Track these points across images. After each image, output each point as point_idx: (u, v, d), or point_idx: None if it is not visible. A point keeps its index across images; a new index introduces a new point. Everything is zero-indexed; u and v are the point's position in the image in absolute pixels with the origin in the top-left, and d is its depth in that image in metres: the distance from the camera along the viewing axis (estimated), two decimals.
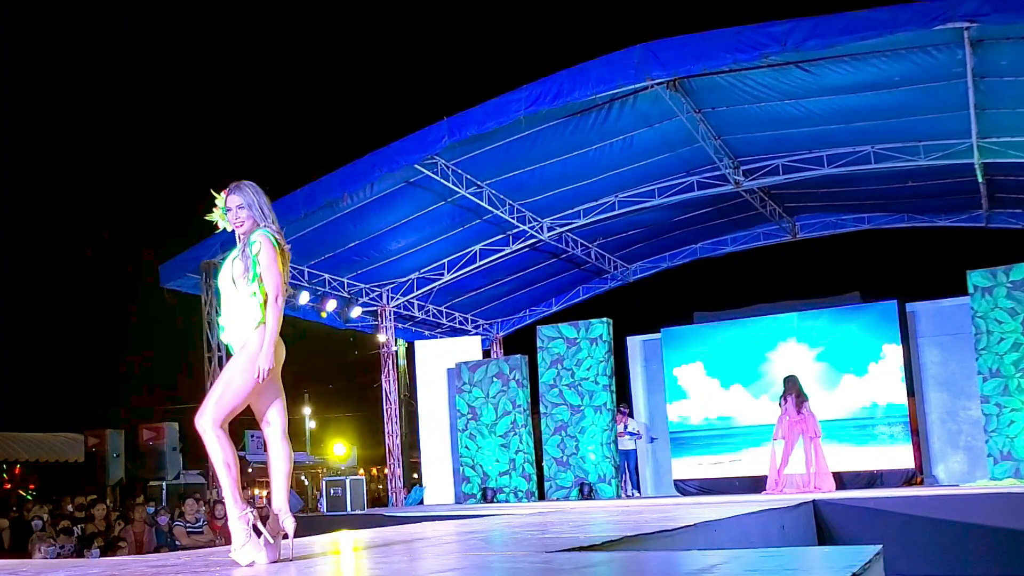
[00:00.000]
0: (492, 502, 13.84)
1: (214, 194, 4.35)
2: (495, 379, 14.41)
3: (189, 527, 11.44)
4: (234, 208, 4.33)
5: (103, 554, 10.25)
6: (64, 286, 31.78)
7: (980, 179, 13.21)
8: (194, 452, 15.43)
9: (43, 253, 33.34)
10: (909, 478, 13.18)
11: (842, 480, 12.48)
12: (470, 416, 14.62)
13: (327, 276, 15.49)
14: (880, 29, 9.77)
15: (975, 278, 12.14)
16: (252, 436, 27.97)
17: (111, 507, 12.84)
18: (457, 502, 14.83)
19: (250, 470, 28.25)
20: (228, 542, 4.38)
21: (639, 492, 15.01)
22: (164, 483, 14.03)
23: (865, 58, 10.62)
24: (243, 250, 4.30)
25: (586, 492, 13.46)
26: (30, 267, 31.32)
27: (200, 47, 41.35)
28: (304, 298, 15.07)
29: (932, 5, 9.48)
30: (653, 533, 5.15)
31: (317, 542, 5.83)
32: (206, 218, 4.39)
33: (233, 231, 4.37)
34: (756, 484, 12.82)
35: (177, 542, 11.17)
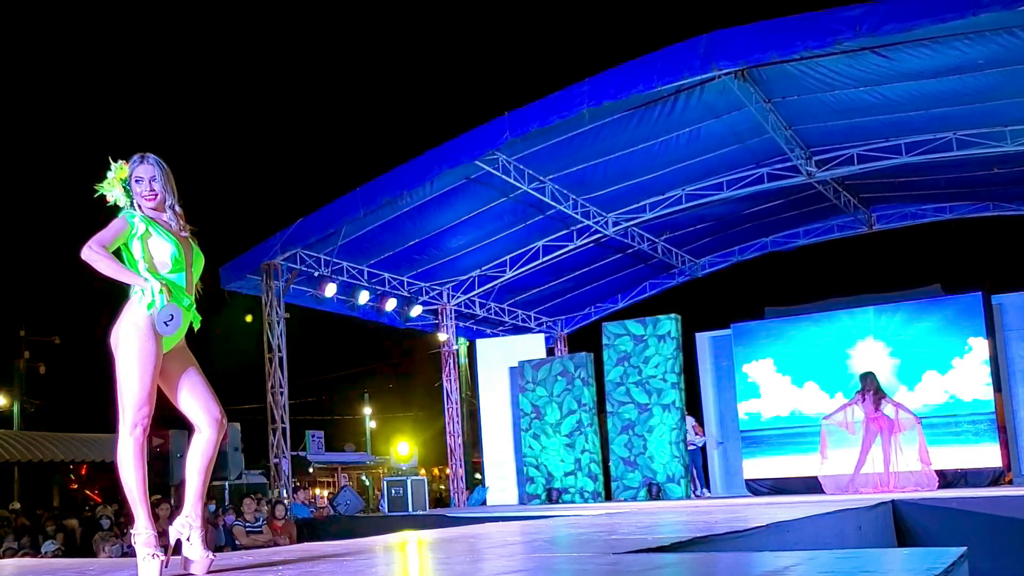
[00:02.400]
0: (557, 503, 13.71)
1: (112, 162, 3.90)
2: (559, 377, 14.24)
3: (248, 526, 11.47)
4: (147, 180, 3.88)
5: (166, 553, 10.30)
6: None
7: None
8: (256, 452, 15.55)
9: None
10: (996, 477, 12.73)
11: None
12: (534, 415, 14.44)
13: (387, 275, 15.53)
14: (961, 10, 9.43)
15: None
16: (312, 436, 28.18)
17: (174, 507, 12.94)
18: (521, 503, 14.74)
19: (311, 470, 28.54)
20: (292, 541, 4.37)
21: (708, 491, 14.69)
22: (226, 483, 14.13)
23: (946, 41, 10.27)
24: (181, 229, 3.96)
25: (654, 492, 13.22)
26: (94, 269, 31.99)
27: (266, 43, 41.96)
28: (364, 297, 15.10)
29: None
30: (724, 534, 5.03)
31: (379, 542, 5.79)
32: (97, 188, 3.91)
33: (122, 206, 3.90)
34: (832, 483, 12.43)
35: (236, 541, 11.19)
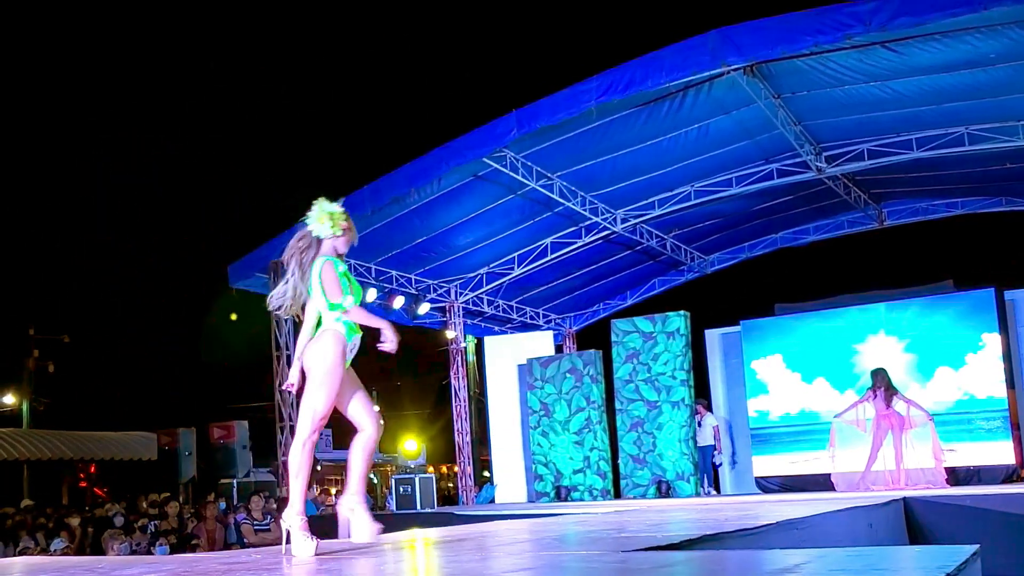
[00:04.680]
0: (566, 500, 13.70)
1: (330, 201, 4.67)
2: (568, 375, 14.21)
3: (256, 524, 11.48)
4: (350, 230, 4.76)
5: (174, 551, 10.32)
6: (137, 287, 32.54)
7: None
8: (263, 450, 15.56)
9: (116, 253, 34.20)
10: (1010, 474, 12.69)
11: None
12: (542, 413, 14.42)
13: (394, 273, 15.51)
14: (974, 5, 9.35)
15: None
16: (321, 434, 28.18)
17: (183, 504, 12.99)
18: (529, 500, 14.75)
19: (319, 468, 28.51)
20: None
21: (716, 491, 14.62)
22: (235, 480, 14.18)
23: (957, 35, 10.17)
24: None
25: (664, 490, 13.19)
26: (103, 269, 32.14)
27: (274, 40, 41.99)
28: (371, 295, 15.08)
29: None
30: (734, 532, 5.02)
31: (387, 540, 5.76)
32: (315, 221, 4.65)
33: (320, 236, 4.67)
34: (843, 481, 12.38)
35: (245, 539, 11.21)
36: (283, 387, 4.96)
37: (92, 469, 20.90)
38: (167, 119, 40.23)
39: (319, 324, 4.67)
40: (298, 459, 4.58)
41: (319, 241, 4.65)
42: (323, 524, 12.46)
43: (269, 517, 11.81)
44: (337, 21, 43.55)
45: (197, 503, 13.19)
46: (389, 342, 4.65)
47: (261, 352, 14.38)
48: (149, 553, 10.50)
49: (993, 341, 12.96)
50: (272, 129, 41.68)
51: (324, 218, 4.62)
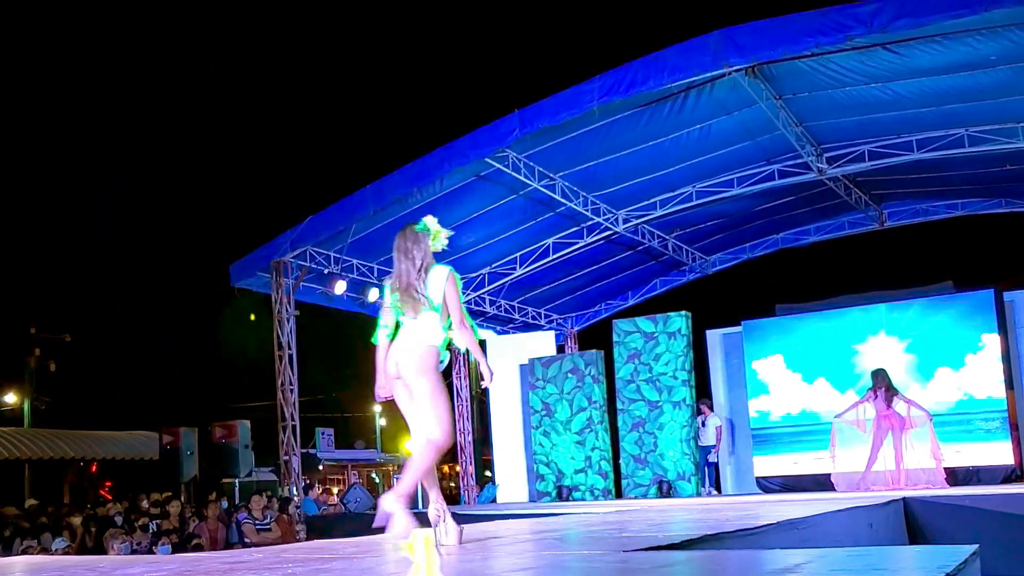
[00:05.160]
0: (567, 500, 13.71)
1: (437, 224, 5.06)
2: (570, 375, 14.23)
3: (258, 524, 11.50)
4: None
5: (176, 550, 10.33)
6: (138, 287, 32.57)
7: None
8: (265, 449, 15.57)
9: (116, 253, 34.22)
10: (1009, 475, 12.68)
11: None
12: (544, 412, 14.44)
13: None
14: (974, 6, 9.40)
15: None
16: (323, 433, 28.18)
17: (185, 503, 13.00)
18: (531, 500, 14.75)
19: (321, 467, 28.57)
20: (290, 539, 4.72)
21: (716, 491, 14.64)
22: (237, 480, 14.18)
23: (958, 37, 10.22)
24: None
25: (665, 490, 13.21)
26: (104, 268, 32.16)
27: (277, 40, 42.00)
28: (373, 295, 15.11)
29: None
30: (734, 532, 5.03)
31: (388, 540, 5.78)
32: (432, 235, 4.99)
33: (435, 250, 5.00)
34: (844, 481, 12.40)
35: (246, 539, 11.23)
36: (377, 397, 5.13)
37: (93, 468, 20.95)
38: (167, 119, 40.26)
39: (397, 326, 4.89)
40: (430, 460, 4.83)
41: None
42: (325, 524, 12.46)
43: (270, 516, 11.83)
44: (339, 21, 43.59)
45: (199, 502, 13.20)
46: (488, 379, 5.00)
47: (264, 351, 14.40)
48: (151, 552, 10.50)
49: (992, 342, 12.96)
50: (272, 129, 41.72)
51: (440, 235, 5.00)
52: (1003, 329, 13.07)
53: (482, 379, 5.05)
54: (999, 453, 12.77)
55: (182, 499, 13.28)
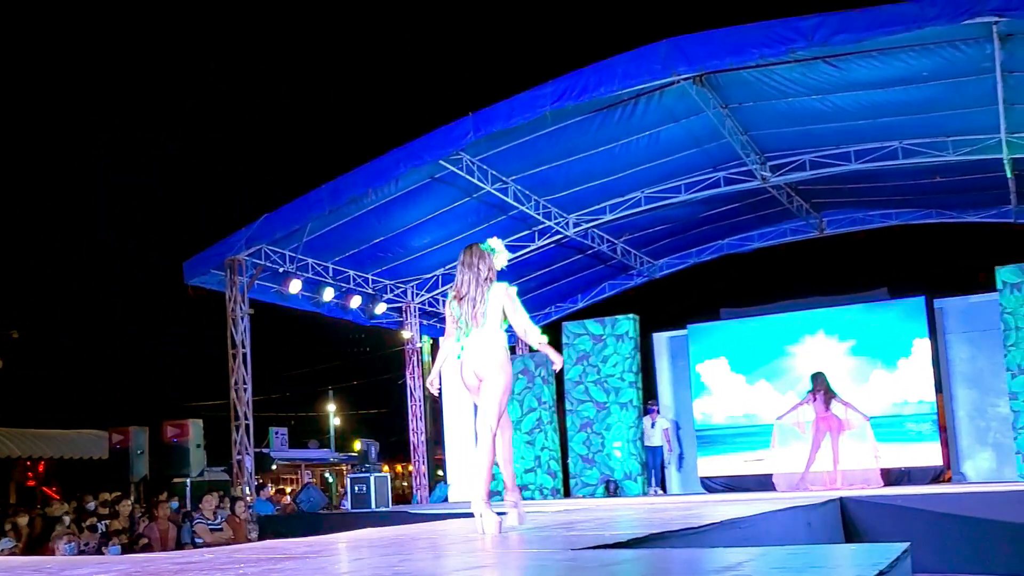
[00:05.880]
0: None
1: (500, 242, 5.59)
2: (520, 375, 14.40)
3: (210, 524, 11.47)
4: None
5: (126, 551, 10.30)
6: (89, 283, 32.10)
7: (1009, 175, 13.08)
8: (218, 449, 15.50)
9: (66, 248, 33.68)
10: (937, 475, 13.13)
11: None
12: None
13: (352, 272, 15.54)
14: (908, 23, 9.67)
15: (1004, 274, 12.07)
16: (276, 433, 27.99)
17: (135, 503, 12.93)
18: None
19: (274, 467, 28.36)
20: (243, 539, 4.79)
21: (662, 491, 14.94)
22: (188, 480, 14.09)
23: (893, 53, 10.52)
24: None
25: (612, 489, 13.45)
26: (54, 264, 31.65)
27: (235, 38, 41.59)
28: (328, 295, 15.13)
29: None
30: (679, 531, 5.14)
31: (341, 539, 5.86)
32: (498, 253, 5.52)
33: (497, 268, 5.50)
34: (784, 481, 12.73)
35: (197, 539, 11.20)
36: (431, 388, 5.79)
37: (41, 468, 20.61)
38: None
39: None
40: (490, 449, 5.32)
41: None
42: (277, 524, 12.48)
43: (222, 516, 11.77)
44: (301, 20, 43.33)
45: (149, 502, 13.14)
46: (558, 364, 5.95)
47: (217, 349, 14.35)
48: (100, 553, 10.44)
49: (923, 347, 13.40)
50: (230, 125, 41.32)
51: (501, 254, 5.51)
52: (933, 334, 13.52)
53: (554, 364, 5.98)
54: (929, 454, 13.23)
55: (132, 499, 13.19)
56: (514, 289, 5.47)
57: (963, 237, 17.91)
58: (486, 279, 5.38)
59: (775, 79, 11.42)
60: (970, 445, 13.43)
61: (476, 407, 5.57)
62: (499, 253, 5.49)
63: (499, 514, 5.43)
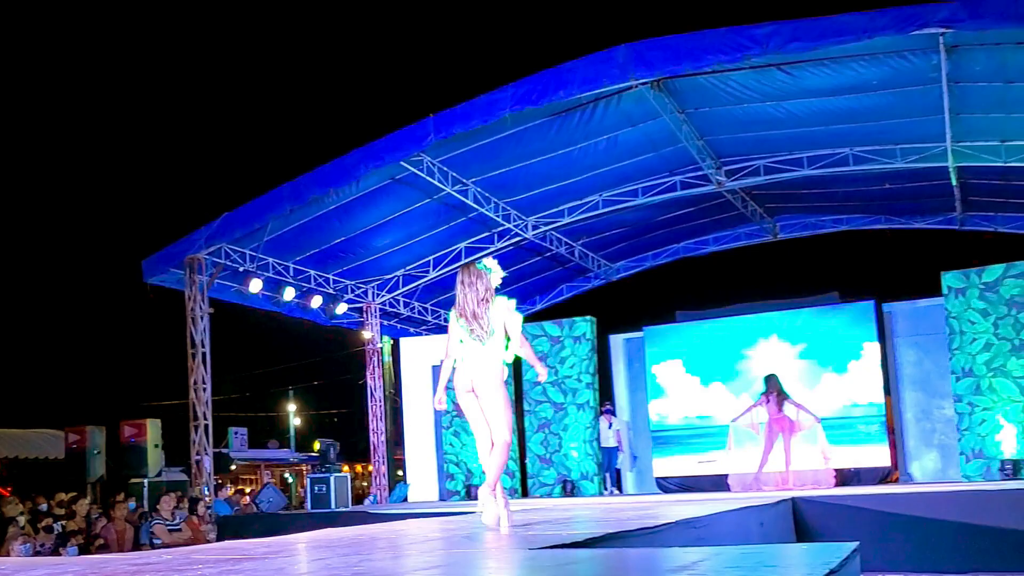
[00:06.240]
0: (476, 499, 13.83)
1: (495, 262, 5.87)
2: None
3: (169, 525, 11.39)
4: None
5: (82, 552, 10.22)
6: (45, 281, 31.63)
7: (954, 182, 13.42)
8: (177, 449, 15.38)
9: (22, 245, 33.16)
10: (885, 476, 13.37)
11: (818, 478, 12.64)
12: (455, 413, 14.67)
13: (313, 272, 15.50)
14: (858, 33, 9.91)
15: (949, 279, 12.35)
16: (236, 433, 27.77)
17: (91, 504, 12.81)
18: (441, 499, 14.90)
19: (233, 467, 28.16)
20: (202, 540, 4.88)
21: (618, 491, 15.10)
22: (146, 480, 13.96)
23: (844, 62, 10.75)
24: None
25: (569, 489, 13.58)
26: (10, 261, 31.15)
27: (201, 33, 41.16)
28: (289, 294, 15.09)
29: (909, 11, 9.64)
30: (635, 531, 5.23)
31: (301, 540, 5.87)
32: (493, 272, 5.79)
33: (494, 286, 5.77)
34: (738, 481, 12.95)
35: (155, 540, 11.12)
36: (436, 406, 6.21)
37: None
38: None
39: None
40: (506, 456, 5.75)
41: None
42: (236, 524, 12.46)
43: (180, 517, 11.69)
44: (265, 14, 42.99)
45: (106, 503, 13.02)
46: (543, 376, 6.31)
47: (176, 349, 14.24)
48: (56, 554, 10.35)
49: (873, 350, 13.66)
50: (191, 123, 40.91)
51: (496, 273, 5.78)
52: (882, 338, 13.78)
53: (539, 376, 6.31)
54: (877, 455, 13.48)
55: (88, 500, 13.06)
56: (512, 302, 5.76)
57: (911, 243, 18.24)
58: (484, 298, 5.67)
59: (731, 85, 11.58)
60: (916, 446, 13.71)
61: (458, 406, 5.93)
62: (494, 272, 5.79)
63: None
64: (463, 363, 5.72)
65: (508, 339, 5.73)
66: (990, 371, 11.94)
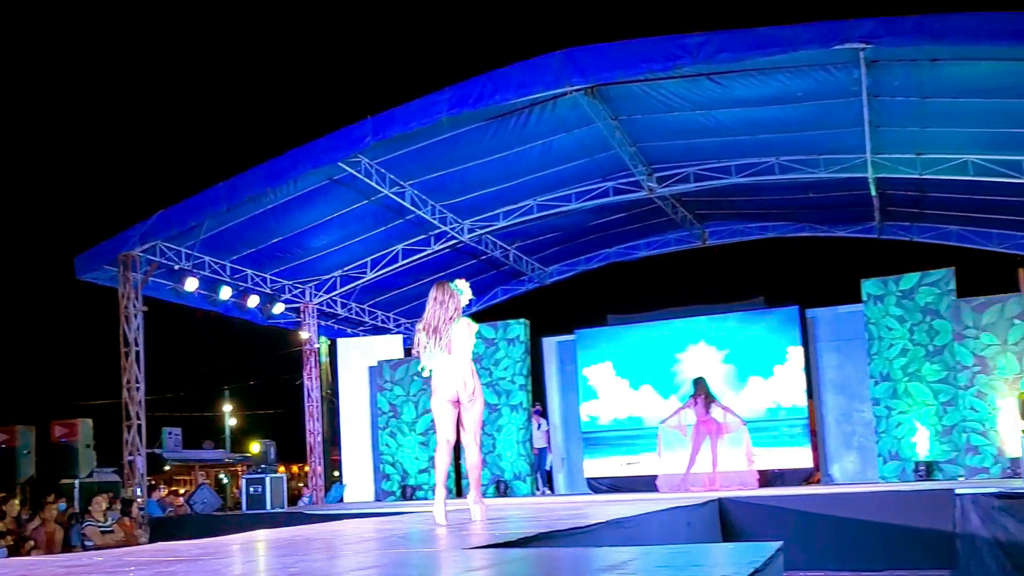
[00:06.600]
0: (411, 499, 13.98)
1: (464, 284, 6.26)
2: (416, 377, 14.53)
3: (101, 526, 11.27)
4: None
5: (12, 553, 10.09)
6: None
7: (873, 193, 13.83)
8: (109, 449, 15.17)
9: None
10: (807, 477, 13.71)
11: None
12: (391, 414, 14.76)
13: (250, 272, 15.42)
14: (784, 46, 10.25)
15: (868, 287, 12.78)
16: (170, 433, 27.37)
17: (21, 505, 12.61)
18: (377, 499, 14.93)
19: (167, 468, 27.74)
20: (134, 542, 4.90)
21: (550, 491, 15.29)
22: (77, 480, 13.75)
23: (771, 73, 11.05)
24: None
25: (502, 490, 13.73)
26: None
27: (141, 27, 40.38)
28: (226, 293, 14.99)
29: (832, 25, 9.99)
30: (567, 530, 5.33)
31: (235, 541, 5.84)
32: (464, 293, 6.22)
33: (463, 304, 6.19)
34: (667, 482, 13.19)
35: (87, 542, 11.01)
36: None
37: None
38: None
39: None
40: (477, 457, 6.38)
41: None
42: (170, 526, 12.35)
43: (112, 518, 11.56)
44: (206, 14, 42.35)
45: (35, 504, 12.82)
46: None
47: (110, 347, 14.05)
48: None
49: (796, 354, 14.00)
50: (129, 117, 40.14)
51: (466, 293, 6.19)
52: (806, 343, 14.13)
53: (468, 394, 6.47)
54: (800, 457, 13.83)
55: (18, 500, 12.84)
56: (476, 327, 6.24)
57: (833, 250, 18.72)
58: (451, 316, 6.09)
59: (662, 93, 11.80)
60: (837, 448, 14.07)
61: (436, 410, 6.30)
62: (464, 293, 6.23)
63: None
64: (438, 373, 6.11)
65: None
66: (906, 376, 12.38)
